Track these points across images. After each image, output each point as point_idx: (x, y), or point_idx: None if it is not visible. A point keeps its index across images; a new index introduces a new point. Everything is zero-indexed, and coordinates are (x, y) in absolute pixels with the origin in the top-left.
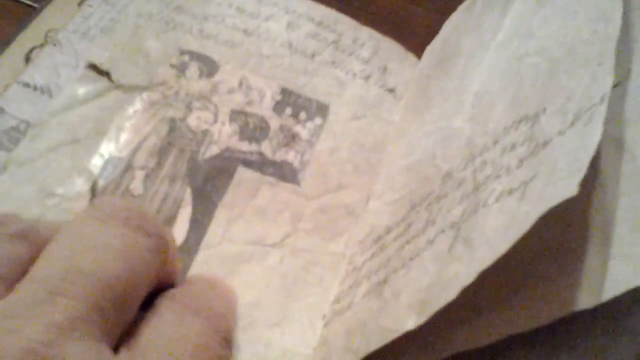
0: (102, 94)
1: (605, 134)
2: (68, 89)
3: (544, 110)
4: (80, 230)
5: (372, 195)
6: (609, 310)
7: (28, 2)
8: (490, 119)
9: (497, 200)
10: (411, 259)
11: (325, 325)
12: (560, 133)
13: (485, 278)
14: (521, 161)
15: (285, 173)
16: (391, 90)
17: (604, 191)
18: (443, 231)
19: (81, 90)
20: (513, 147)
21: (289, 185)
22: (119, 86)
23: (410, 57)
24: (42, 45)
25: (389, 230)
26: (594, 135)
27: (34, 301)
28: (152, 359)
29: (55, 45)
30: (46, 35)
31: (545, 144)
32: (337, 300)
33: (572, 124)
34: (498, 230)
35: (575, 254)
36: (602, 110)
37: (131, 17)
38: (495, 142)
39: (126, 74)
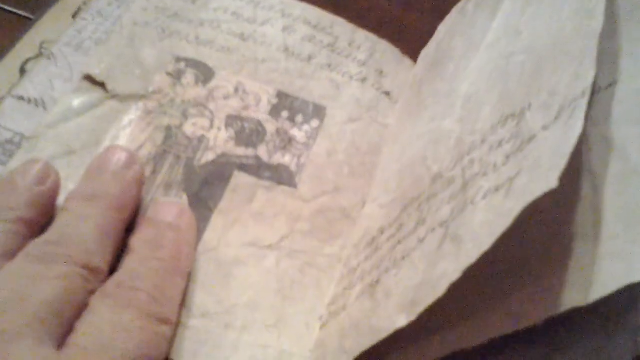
0: (97, 104)
1: (598, 134)
2: (63, 100)
3: (529, 106)
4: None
5: (368, 198)
6: (606, 308)
7: (23, 14)
8: (478, 119)
9: (484, 197)
10: (403, 258)
11: (321, 328)
12: (545, 128)
13: (475, 276)
14: (507, 157)
15: (282, 176)
16: (387, 93)
17: (596, 190)
18: (433, 230)
19: (76, 102)
20: (500, 144)
21: (286, 189)
22: (114, 96)
23: (406, 60)
24: (37, 57)
25: (382, 231)
26: (576, 128)
27: None
28: (88, 350)
29: (49, 58)
30: (41, 47)
31: (530, 139)
32: (332, 302)
33: (556, 118)
34: (484, 227)
35: (566, 252)
36: (583, 103)
37: (127, 26)
38: (483, 141)
39: (122, 84)
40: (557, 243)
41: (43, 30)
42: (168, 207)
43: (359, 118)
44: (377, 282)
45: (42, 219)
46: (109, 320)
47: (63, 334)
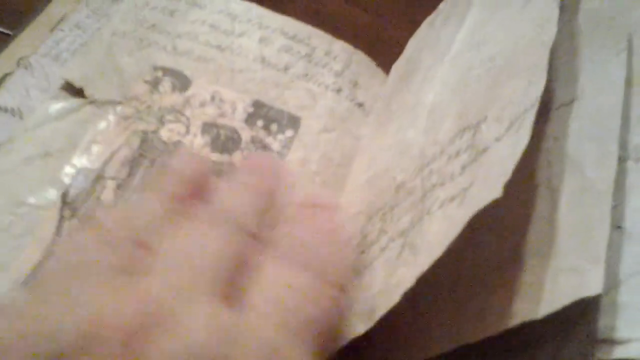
0: (75, 109)
1: (558, 149)
2: (41, 106)
3: (485, 118)
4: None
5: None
6: (557, 319)
7: (2, 30)
8: (440, 130)
9: (440, 206)
10: (364, 267)
11: None
12: (497, 140)
13: (430, 286)
14: (463, 168)
15: None
16: (360, 105)
17: (554, 206)
18: (393, 239)
19: (54, 107)
20: (457, 154)
21: None
22: (92, 101)
23: (380, 72)
24: (14, 72)
25: None
26: (523, 138)
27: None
28: (263, 311)
29: (26, 68)
30: (18, 62)
31: (484, 150)
32: None
33: (507, 129)
34: (438, 235)
35: (521, 266)
36: (532, 114)
37: (105, 36)
38: (442, 152)
39: (100, 90)
40: (512, 257)
41: (21, 46)
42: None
43: (333, 129)
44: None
45: (192, 197)
46: (284, 282)
47: (234, 294)
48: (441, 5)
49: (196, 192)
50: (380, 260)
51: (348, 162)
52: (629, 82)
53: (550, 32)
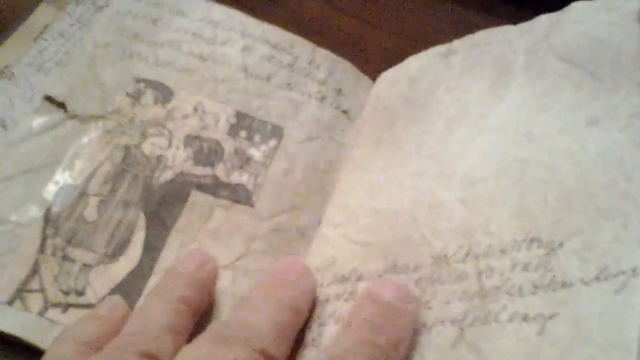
0: (57, 124)
1: None
2: (24, 121)
3: (561, 244)
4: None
5: (325, 219)
6: None
7: None
8: (492, 219)
9: (511, 320)
10: None
11: None
12: (584, 282)
13: None
14: (535, 287)
15: (239, 195)
16: (345, 112)
17: None
18: (442, 322)
19: (37, 122)
20: (525, 267)
21: (243, 207)
22: (74, 116)
23: (365, 79)
24: None
25: (359, 276)
26: (635, 316)
27: None
28: None
29: (10, 79)
30: (2, 73)
31: (564, 284)
32: None
33: (597, 279)
34: (515, 357)
35: None
36: (637, 285)
37: (88, 47)
38: (503, 252)
39: (82, 104)
40: None
41: (4, 56)
42: (393, 286)
43: (317, 137)
44: None
45: (202, 300)
46: None
47: None
48: (457, 43)
49: (199, 297)
50: (425, 339)
51: (334, 169)
52: None
53: (637, 187)
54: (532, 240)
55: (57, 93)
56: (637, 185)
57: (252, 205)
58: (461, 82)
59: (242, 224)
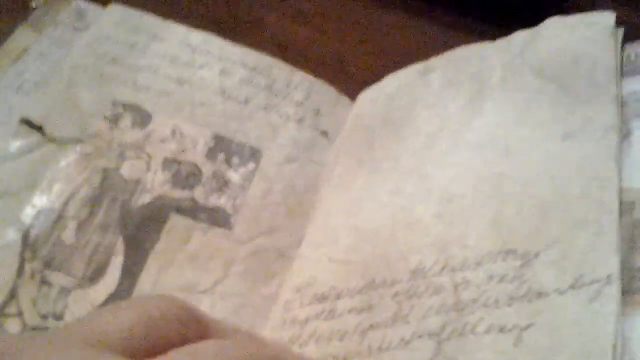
0: (35, 148)
1: None
2: (1, 144)
3: (536, 255)
4: None
5: (305, 238)
6: None
7: None
8: (468, 233)
9: (487, 332)
10: (380, 349)
11: None
12: (559, 292)
13: None
14: (511, 299)
15: (218, 218)
16: (324, 133)
17: None
18: (420, 337)
19: (14, 145)
20: (501, 279)
21: (221, 230)
22: (52, 140)
23: (343, 99)
24: None
25: (338, 294)
26: (608, 323)
27: None
28: None
29: None
30: None
31: (540, 295)
32: None
33: (572, 287)
34: None
35: None
36: (612, 294)
37: (66, 70)
38: (478, 264)
39: (59, 128)
40: None
41: None
42: None
43: (296, 158)
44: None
45: None
46: None
47: None
48: (435, 61)
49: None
50: (404, 354)
51: (313, 189)
52: None
53: (612, 195)
54: (507, 252)
55: (35, 116)
56: (611, 195)
57: (230, 229)
58: (439, 99)
59: (220, 247)
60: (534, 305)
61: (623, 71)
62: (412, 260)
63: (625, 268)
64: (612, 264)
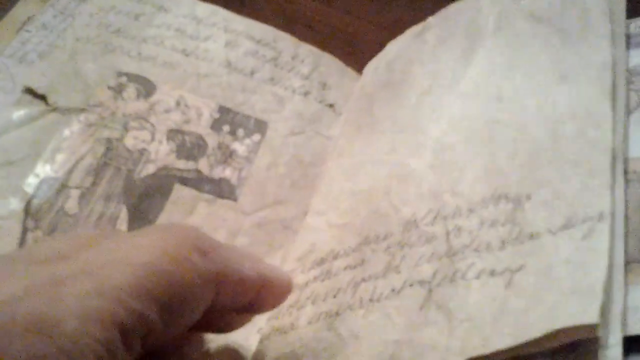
0: (38, 117)
1: None
2: (3, 113)
3: (528, 197)
4: None
5: (310, 209)
6: None
7: None
8: (460, 181)
9: (478, 277)
10: (371, 300)
11: (261, 340)
12: (551, 232)
13: None
14: (503, 242)
15: (223, 190)
16: (330, 106)
17: None
18: (411, 285)
19: (17, 114)
20: (493, 224)
21: (226, 202)
22: (55, 109)
23: (350, 72)
24: None
25: (335, 255)
26: (600, 259)
27: None
28: None
29: None
30: None
31: (532, 236)
32: (275, 317)
33: (565, 227)
34: (483, 313)
35: None
36: (604, 230)
37: (69, 41)
38: (471, 211)
39: (63, 97)
40: None
41: None
42: None
43: (302, 131)
44: (337, 314)
45: None
46: None
47: None
48: (431, 20)
49: None
50: (394, 303)
51: (319, 161)
52: None
53: (605, 136)
54: (499, 197)
55: (38, 85)
56: (605, 133)
57: (235, 200)
58: (434, 55)
59: (225, 218)
60: (525, 247)
61: (631, 43)
62: (406, 212)
63: (637, 238)
64: (604, 202)
